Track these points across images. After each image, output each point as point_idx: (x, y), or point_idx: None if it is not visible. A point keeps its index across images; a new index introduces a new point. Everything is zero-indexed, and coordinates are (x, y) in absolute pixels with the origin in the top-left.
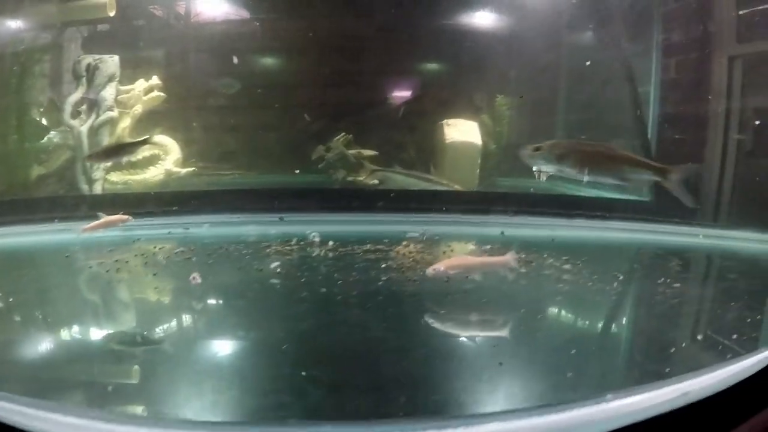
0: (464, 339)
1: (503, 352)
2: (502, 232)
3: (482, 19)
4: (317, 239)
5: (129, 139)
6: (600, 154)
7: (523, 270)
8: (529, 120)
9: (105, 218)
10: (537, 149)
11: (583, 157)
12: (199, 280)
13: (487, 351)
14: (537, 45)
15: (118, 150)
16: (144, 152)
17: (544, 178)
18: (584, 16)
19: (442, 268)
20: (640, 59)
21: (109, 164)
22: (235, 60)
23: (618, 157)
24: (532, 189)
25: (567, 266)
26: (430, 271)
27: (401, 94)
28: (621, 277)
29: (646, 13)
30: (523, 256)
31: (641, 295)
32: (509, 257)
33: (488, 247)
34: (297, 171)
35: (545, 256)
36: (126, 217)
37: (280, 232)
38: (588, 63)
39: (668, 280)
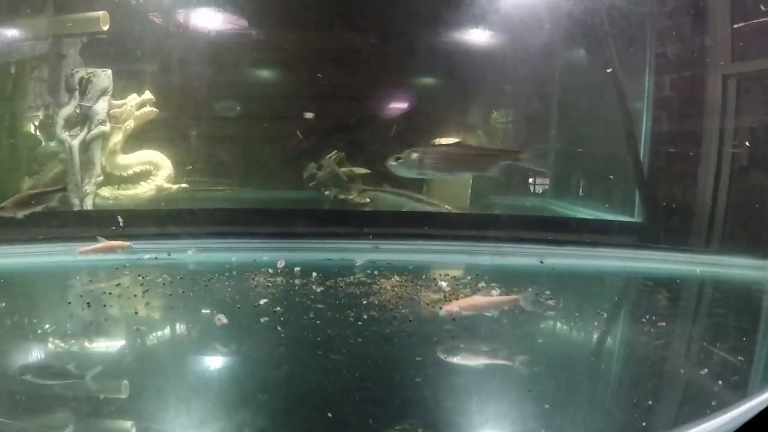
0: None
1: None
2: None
3: (476, 36)
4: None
5: (45, 188)
6: (453, 152)
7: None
8: (522, 137)
9: (105, 243)
10: (398, 159)
11: (439, 157)
12: (225, 321)
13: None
14: (530, 62)
15: (30, 200)
16: (136, 168)
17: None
18: (578, 33)
19: (455, 309)
20: (633, 76)
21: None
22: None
23: (471, 151)
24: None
25: (550, 302)
26: (443, 311)
27: (394, 111)
28: (604, 315)
29: (640, 31)
30: (536, 294)
31: (624, 337)
32: (520, 297)
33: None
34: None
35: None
36: (126, 243)
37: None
38: (609, 70)
39: (653, 318)
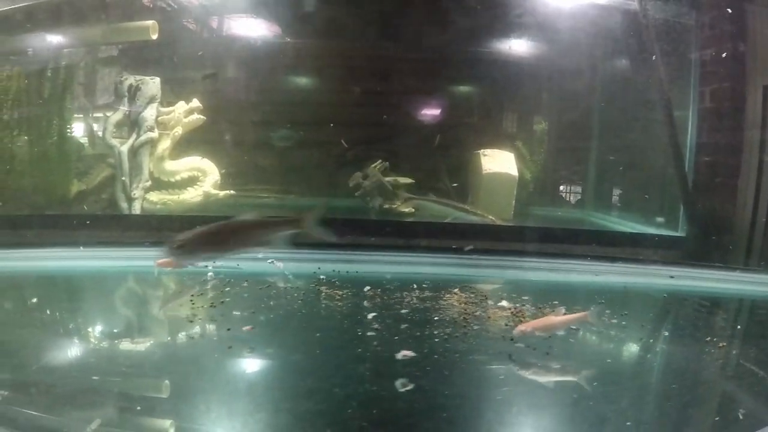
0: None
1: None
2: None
3: (520, 46)
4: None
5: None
6: (227, 231)
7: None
8: (565, 148)
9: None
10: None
11: (208, 240)
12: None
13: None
14: (573, 71)
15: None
16: (183, 173)
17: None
18: (621, 41)
19: (529, 329)
20: (677, 86)
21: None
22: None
23: (245, 226)
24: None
25: (614, 320)
26: (517, 332)
27: (437, 120)
28: (666, 334)
29: (683, 42)
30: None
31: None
32: (588, 314)
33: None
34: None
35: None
36: None
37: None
38: (658, 81)
39: (714, 338)
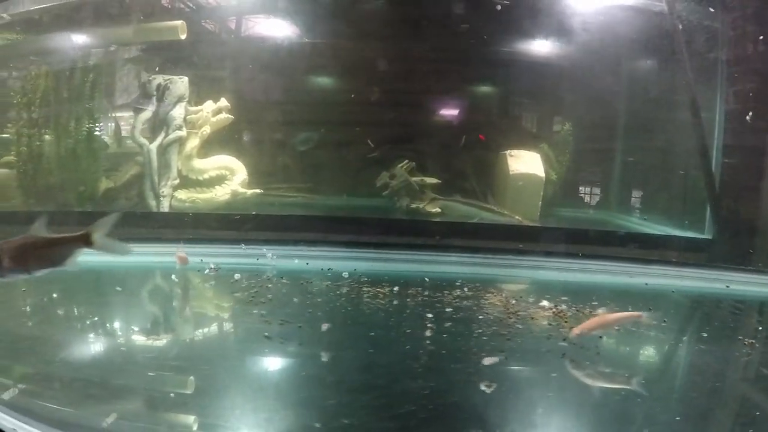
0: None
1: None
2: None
3: (547, 47)
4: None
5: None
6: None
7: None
8: (590, 149)
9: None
10: None
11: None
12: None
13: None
14: (599, 73)
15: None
16: (212, 172)
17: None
18: (648, 43)
19: (585, 331)
20: (704, 88)
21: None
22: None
23: (14, 245)
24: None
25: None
26: (574, 334)
27: (463, 122)
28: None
29: (710, 43)
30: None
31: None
32: (639, 313)
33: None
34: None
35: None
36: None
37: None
38: (685, 83)
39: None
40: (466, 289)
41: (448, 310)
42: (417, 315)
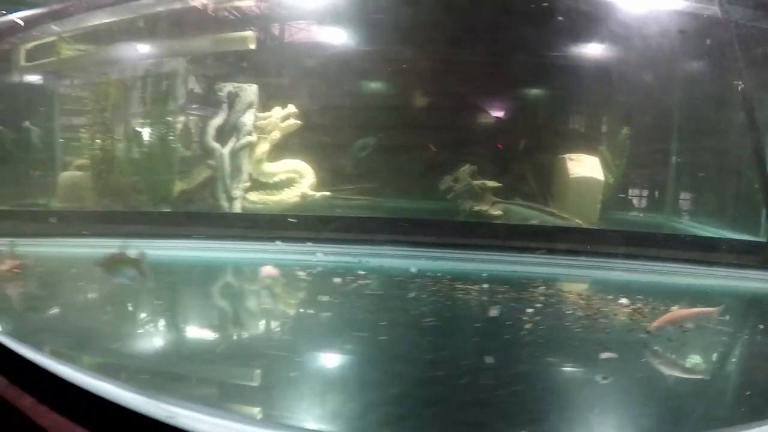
0: None
1: None
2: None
3: (602, 52)
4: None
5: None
6: None
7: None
8: (646, 153)
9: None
10: None
11: None
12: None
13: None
14: (655, 77)
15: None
16: (281, 175)
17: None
18: (703, 47)
19: (663, 324)
20: (759, 90)
21: None
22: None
23: None
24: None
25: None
26: (653, 327)
27: (522, 126)
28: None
29: (764, 43)
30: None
31: None
32: (713, 309)
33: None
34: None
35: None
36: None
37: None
38: (740, 85)
39: None
40: (544, 288)
41: (537, 305)
42: (512, 310)
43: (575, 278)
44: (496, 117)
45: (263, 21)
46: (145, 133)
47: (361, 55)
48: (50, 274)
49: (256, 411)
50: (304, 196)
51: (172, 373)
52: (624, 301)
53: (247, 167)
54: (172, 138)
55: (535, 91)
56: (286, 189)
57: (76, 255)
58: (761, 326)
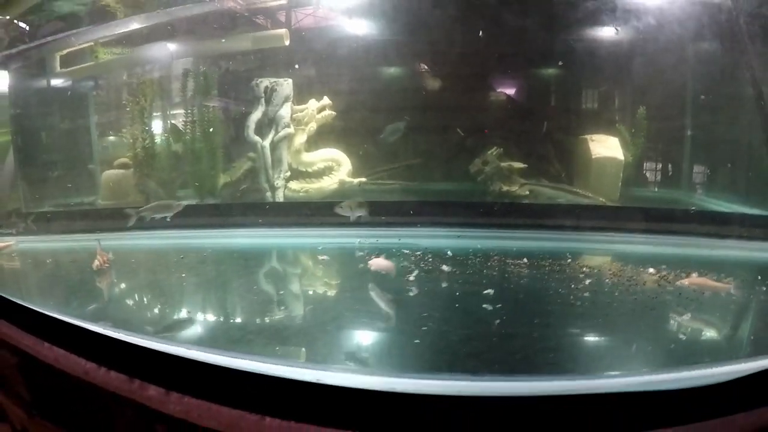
0: None
1: None
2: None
3: (619, 36)
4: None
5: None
6: None
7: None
8: (664, 132)
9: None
10: None
11: None
12: None
13: None
14: (671, 59)
15: None
16: (319, 164)
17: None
18: (712, 28)
19: (689, 283)
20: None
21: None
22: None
23: None
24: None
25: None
26: (680, 282)
27: (545, 108)
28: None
29: None
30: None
31: None
32: (728, 285)
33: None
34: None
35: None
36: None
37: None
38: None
39: None
40: (577, 262)
41: (579, 275)
42: (559, 281)
43: (603, 252)
44: (521, 101)
45: (293, 18)
46: (187, 129)
47: (387, 44)
48: (140, 265)
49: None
50: (342, 183)
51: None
52: (651, 270)
53: (286, 158)
54: (212, 133)
55: (556, 74)
56: (324, 177)
57: (153, 247)
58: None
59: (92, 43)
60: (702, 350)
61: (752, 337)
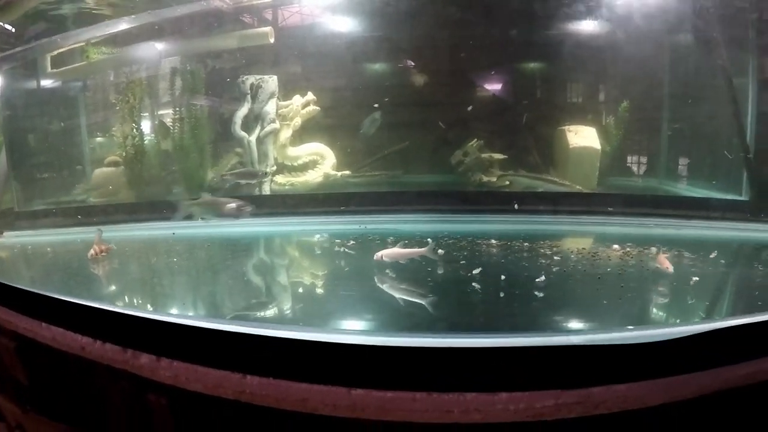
0: None
1: None
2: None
3: (595, 30)
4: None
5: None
6: None
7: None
8: (639, 123)
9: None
10: None
11: None
12: None
13: None
14: (644, 52)
15: None
16: (304, 158)
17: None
18: (685, 22)
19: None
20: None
21: None
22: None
23: None
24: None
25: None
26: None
27: (525, 101)
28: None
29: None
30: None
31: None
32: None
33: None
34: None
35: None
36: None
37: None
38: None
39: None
40: (550, 241)
41: (553, 251)
42: (529, 257)
43: (576, 233)
44: (501, 94)
45: (278, 16)
46: (175, 126)
47: (369, 40)
48: (141, 253)
49: None
50: (326, 176)
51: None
52: (616, 246)
53: (272, 152)
54: (200, 129)
55: (536, 68)
56: (309, 171)
57: (147, 238)
58: (723, 261)
59: (83, 44)
60: (657, 315)
61: (708, 304)
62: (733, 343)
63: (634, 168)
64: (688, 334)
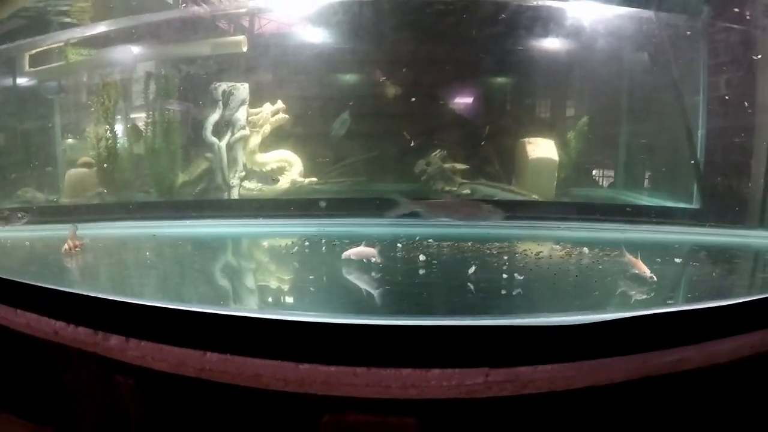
0: None
1: None
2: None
3: (556, 48)
4: None
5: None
6: None
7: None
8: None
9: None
10: None
11: None
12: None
13: None
14: (603, 70)
15: None
16: (273, 164)
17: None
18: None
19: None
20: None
21: None
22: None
23: None
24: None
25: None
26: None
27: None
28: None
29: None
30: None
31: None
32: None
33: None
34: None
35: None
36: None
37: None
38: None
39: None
40: (502, 244)
41: (499, 252)
42: (488, 256)
43: (526, 237)
44: (464, 107)
45: (252, 26)
46: (148, 129)
47: (339, 52)
48: (114, 249)
49: None
50: (293, 183)
51: None
52: (557, 247)
53: (242, 158)
54: (171, 133)
55: (500, 82)
56: (277, 177)
57: (121, 236)
58: (658, 260)
59: (62, 44)
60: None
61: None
62: (658, 331)
63: (594, 179)
64: (612, 318)
